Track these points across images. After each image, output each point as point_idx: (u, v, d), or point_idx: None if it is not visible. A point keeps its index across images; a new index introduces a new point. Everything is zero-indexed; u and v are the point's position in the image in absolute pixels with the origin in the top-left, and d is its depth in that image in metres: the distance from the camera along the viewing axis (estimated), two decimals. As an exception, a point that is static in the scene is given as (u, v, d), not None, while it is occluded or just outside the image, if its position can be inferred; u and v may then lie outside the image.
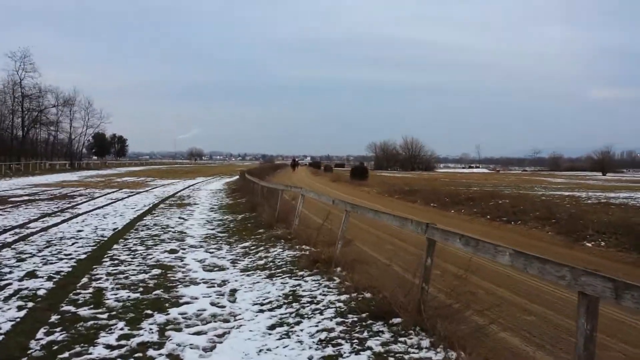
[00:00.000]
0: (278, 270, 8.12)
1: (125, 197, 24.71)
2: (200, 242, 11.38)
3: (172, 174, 58.55)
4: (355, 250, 9.42)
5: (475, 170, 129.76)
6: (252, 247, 10.27)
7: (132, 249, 10.37)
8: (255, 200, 18.64)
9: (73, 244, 10.90)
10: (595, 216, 14.21)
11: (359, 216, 9.78)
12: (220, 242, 11.38)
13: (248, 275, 8.04)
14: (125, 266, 8.70)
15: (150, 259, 9.40)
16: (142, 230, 13.16)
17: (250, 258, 9.34)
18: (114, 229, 13.39)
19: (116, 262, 9.06)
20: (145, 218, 16.03)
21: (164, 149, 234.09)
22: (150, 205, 20.59)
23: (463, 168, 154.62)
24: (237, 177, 53.24)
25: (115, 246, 10.68)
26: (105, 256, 9.57)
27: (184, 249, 10.47)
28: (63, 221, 14.95)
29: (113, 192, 28.51)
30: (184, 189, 32.78)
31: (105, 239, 11.76)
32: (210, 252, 10.06)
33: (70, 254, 9.68)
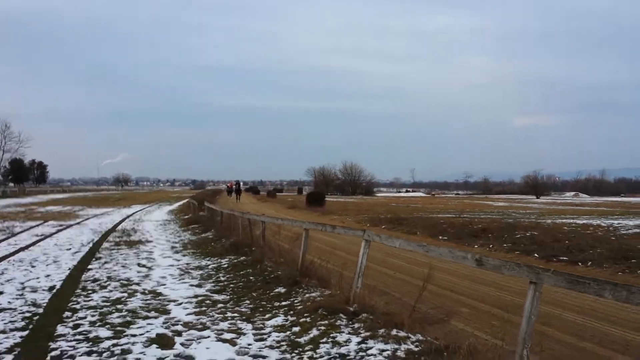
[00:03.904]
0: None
1: (54, 233, 19.76)
2: (195, 315, 7.24)
3: (102, 202, 52.48)
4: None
5: (413, 194, 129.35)
6: (295, 330, 6.26)
7: (91, 338, 6.11)
8: (235, 237, 14.49)
9: (-15, 327, 6.52)
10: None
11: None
12: (228, 313, 7.29)
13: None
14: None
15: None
16: (94, 292, 8.81)
17: None
18: (51, 289, 8.98)
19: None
20: (91, 267, 11.55)
21: (87, 175, 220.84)
22: (91, 245, 15.94)
23: (399, 192, 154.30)
24: (179, 204, 48.27)
25: (59, 330, 6.40)
26: (47, 360, 5.35)
27: (177, 333, 6.34)
28: (-30, 275, 10.32)
29: (37, 225, 23.29)
30: (123, 220, 27.85)
31: (41, 311, 7.41)
32: (230, 343, 5.97)
33: (-21, 358, 5.38)
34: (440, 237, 17.59)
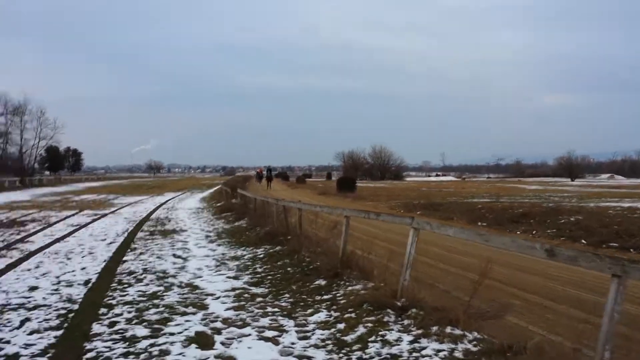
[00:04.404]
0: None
1: (90, 222, 19.87)
2: (234, 311, 6.96)
3: (136, 190, 53.09)
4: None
5: (443, 178, 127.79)
6: (340, 327, 5.92)
7: (127, 337, 5.88)
8: (270, 225, 14.24)
9: (20, 325, 6.36)
10: None
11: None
12: (268, 308, 7.00)
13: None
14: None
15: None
16: (129, 286, 8.63)
17: None
18: (87, 283, 8.83)
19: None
20: (126, 258, 11.43)
21: (120, 162, 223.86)
22: (126, 235, 15.91)
23: (428, 176, 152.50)
24: (211, 191, 48.50)
25: (95, 328, 6.19)
26: (84, 362, 5.13)
27: (217, 331, 6.07)
28: (8, 267, 10.30)
29: (73, 214, 23.51)
30: (156, 209, 27.98)
31: (76, 308, 7.24)
32: (272, 342, 5.66)
33: None
34: (479, 223, 17.04)
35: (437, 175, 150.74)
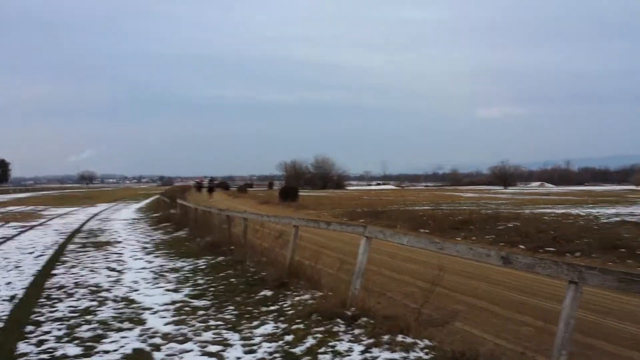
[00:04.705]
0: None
1: (16, 235, 18.66)
2: (175, 325, 6.55)
3: (67, 201, 50.79)
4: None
5: (384, 187, 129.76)
6: (288, 339, 5.63)
7: (57, 356, 5.38)
8: (212, 235, 13.78)
9: None
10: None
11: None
12: (211, 322, 6.62)
13: None
14: None
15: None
16: (59, 301, 8.02)
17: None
18: (12, 299, 8.14)
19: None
20: (56, 272, 10.70)
21: (50, 173, 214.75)
22: (56, 247, 15.00)
23: (369, 185, 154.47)
24: (147, 201, 47.04)
25: (21, 348, 5.64)
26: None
27: (156, 347, 5.66)
28: None
29: (-3, 227, 22.05)
30: (89, 220, 26.74)
31: (0, 326, 6.61)
32: (216, 357, 5.31)
33: None
34: (421, 230, 17.18)
35: (377, 184, 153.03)
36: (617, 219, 17.21)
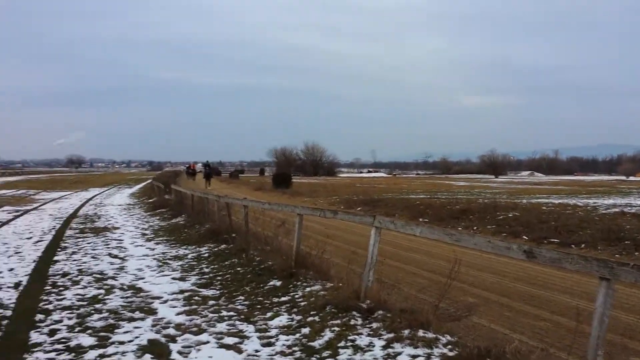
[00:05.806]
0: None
1: (12, 219, 18.46)
2: (187, 315, 6.49)
3: (57, 185, 50.35)
4: None
5: (375, 174, 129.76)
6: (305, 332, 5.59)
7: (72, 347, 5.31)
8: (211, 223, 13.69)
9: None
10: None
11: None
12: (223, 312, 6.57)
13: None
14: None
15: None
16: (65, 289, 7.92)
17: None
18: (17, 286, 8.04)
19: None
20: (57, 258, 10.59)
21: (38, 157, 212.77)
22: (54, 232, 14.85)
23: (360, 172, 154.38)
24: (140, 187, 46.70)
25: (34, 338, 5.56)
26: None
27: (171, 338, 5.60)
28: None
29: (-9, 211, 21.80)
30: (83, 205, 26.53)
31: (9, 314, 6.52)
32: (234, 350, 5.26)
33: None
34: (420, 219, 17.18)
35: (369, 172, 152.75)
36: (616, 209, 17.32)
